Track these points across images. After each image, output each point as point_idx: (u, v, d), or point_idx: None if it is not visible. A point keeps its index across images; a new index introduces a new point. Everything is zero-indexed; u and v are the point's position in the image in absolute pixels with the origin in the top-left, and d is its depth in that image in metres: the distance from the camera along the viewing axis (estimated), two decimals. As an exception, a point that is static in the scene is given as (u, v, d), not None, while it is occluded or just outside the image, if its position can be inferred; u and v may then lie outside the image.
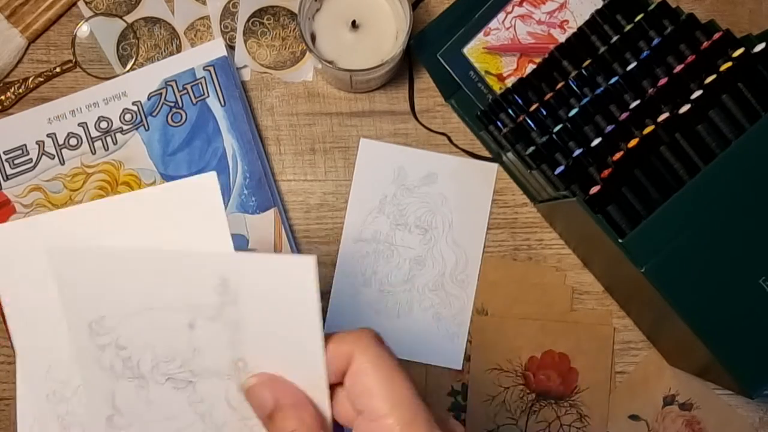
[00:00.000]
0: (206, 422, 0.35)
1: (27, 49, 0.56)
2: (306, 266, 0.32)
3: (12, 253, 0.43)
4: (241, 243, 0.53)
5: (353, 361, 0.31)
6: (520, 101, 0.51)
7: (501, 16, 0.56)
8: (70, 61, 0.56)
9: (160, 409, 0.35)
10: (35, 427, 0.48)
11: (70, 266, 0.35)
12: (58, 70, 0.56)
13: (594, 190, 0.43)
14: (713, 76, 0.44)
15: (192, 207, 0.34)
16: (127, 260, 0.34)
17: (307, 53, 0.56)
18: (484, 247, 0.55)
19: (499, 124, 0.52)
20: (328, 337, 0.32)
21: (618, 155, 0.44)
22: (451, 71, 0.56)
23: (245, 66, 0.57)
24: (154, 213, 0.34)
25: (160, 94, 0.54)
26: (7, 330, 0.42)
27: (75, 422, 0.48)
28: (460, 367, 0.54)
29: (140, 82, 0.54)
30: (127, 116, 0.54)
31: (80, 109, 0.54)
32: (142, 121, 0.54)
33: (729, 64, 0.44)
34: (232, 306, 0.33)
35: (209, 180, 0.34)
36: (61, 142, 0.54)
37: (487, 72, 0.56)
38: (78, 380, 0.47)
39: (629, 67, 0.47)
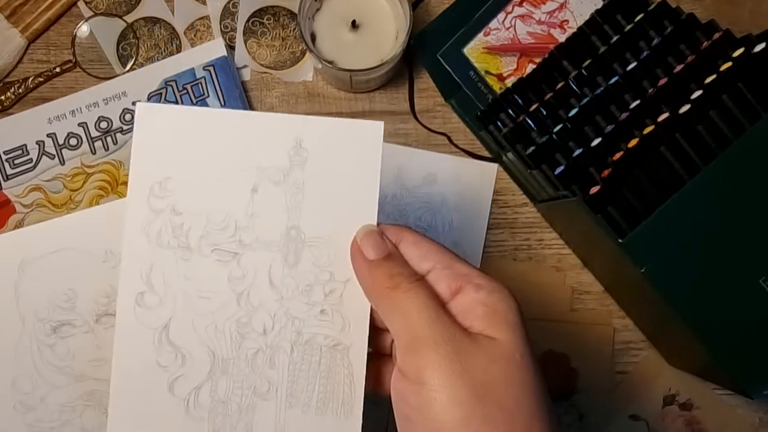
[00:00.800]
0: (241, 304, 0.36)
1: (27, 49, 0.56)
2: (375, 129, 0.36)
3: None
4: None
5: (407, 235, 0.35)
6: (520, 101, 0.51)
7: (501, 16, 0.56)
8: (70, 61, 0.56)
9: (196, 285, 0.36)
10: None
11: (151, 122, 0.36)
12: (58, 70, 0.56)
13: (594, 190, 0.43)
14: (713, 76, 0.44)
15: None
16: (209, 119, 0.36)
17: (307, 53, 0.56)
18: (484, 247, 0.55)
19: (499, 124, 0.52)
20: None
21: (618, 155, 0.44)
22: (451, 71, 0.56)
23: (245, 66, 0.57)
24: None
25: (160, 94, 0.54)
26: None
27: (44, 428, 0.48)
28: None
29: (140, 82, 0.54)
30: (127, 116, 0.54)
31: (80, 109, 0.54)
32: (142, 121, 0.54)
33: (729, 64, 0.44)
34: (299, 169, 0.35)
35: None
36: (61, 142, 0.54)
37: (487, 72, 0.56)
38: (43, 390, 0.47)
39: (629, 67, 0.47)
